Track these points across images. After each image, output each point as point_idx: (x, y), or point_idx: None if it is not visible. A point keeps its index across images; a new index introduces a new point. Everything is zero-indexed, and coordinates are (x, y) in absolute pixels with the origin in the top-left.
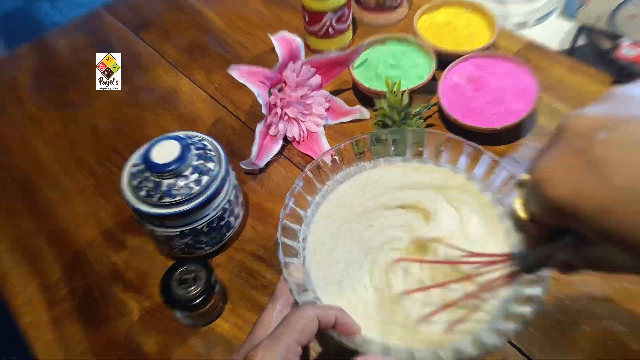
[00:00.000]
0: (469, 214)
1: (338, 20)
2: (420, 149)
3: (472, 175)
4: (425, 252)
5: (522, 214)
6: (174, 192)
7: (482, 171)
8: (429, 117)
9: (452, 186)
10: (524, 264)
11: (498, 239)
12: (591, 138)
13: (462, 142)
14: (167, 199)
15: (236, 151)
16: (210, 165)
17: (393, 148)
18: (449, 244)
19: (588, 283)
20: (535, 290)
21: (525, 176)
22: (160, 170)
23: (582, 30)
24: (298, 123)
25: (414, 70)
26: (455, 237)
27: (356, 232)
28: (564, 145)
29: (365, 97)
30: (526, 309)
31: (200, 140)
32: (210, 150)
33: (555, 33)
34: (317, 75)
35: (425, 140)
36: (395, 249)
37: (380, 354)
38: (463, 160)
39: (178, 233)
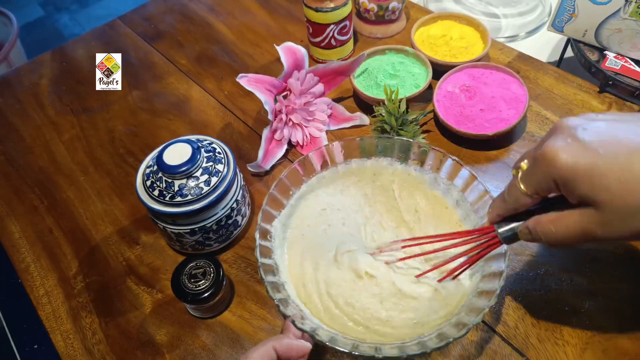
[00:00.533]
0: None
1: (340, 32)
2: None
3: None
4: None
5: (523, 188)
6: (185, 191)
7: (461, 182)
8: (425, 123)
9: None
10: (505, 235)
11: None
12: (578, 128)
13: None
14: (178, 199)
15: (244, 154)
16: (219, 167)
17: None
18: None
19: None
20: (499, 266)
21: (524, 164)
22: (172, 171)
23: (569, 42)
24: (302, 128)
25: (411, 79)
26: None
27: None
28: (561, 133)
29: (365, 105)
30: (495, 284)
31: (210, 144)
32: (219, 153)
33: (544, 45)
34: (320, 84)
35: (413, 149)
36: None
37: (349, 349)
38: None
39: (189, 230)
